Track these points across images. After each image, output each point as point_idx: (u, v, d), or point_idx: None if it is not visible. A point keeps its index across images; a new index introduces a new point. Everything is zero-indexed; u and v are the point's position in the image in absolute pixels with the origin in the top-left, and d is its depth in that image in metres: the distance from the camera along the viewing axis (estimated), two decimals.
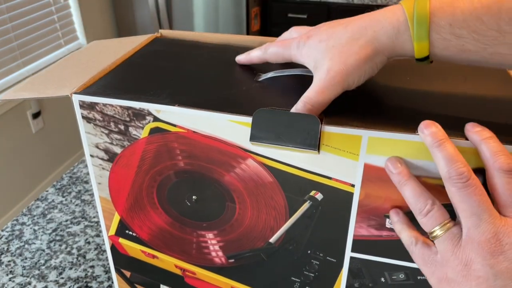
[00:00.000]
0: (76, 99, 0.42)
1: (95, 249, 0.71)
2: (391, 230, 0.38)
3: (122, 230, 0.48)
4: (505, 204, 0.32)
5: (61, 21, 2.09)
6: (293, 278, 0.44)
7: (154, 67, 0.47)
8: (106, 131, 0.43)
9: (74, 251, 0.71)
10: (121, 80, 0.45)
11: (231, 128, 0.38)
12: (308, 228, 0.41)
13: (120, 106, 0.41)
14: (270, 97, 0.42)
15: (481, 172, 0.33)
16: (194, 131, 0.40)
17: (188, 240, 0.46)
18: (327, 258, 0.42)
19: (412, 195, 0.34)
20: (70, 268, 0.68)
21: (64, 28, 2.11)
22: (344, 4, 2.21)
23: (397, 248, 0.38)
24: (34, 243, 0.73)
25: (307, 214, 0.40)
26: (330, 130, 0.36)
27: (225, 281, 0.47)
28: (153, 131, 0.41)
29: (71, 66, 0.49)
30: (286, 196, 0.40)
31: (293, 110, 0.37)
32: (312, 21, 1.88)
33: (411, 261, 0.36)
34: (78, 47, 2.19)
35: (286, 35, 0.45)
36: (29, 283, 0.65)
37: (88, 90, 0.42)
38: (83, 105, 0.42)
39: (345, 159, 0.37)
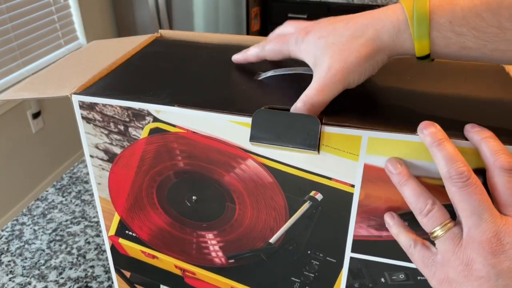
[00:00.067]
0: (76, 99, 0.42)
1: (95, 249, 0.71)
2: None
3: (122, 231, 0.48)
4: (505, 203, 0.32)
5: (61, 21, 2.09)
6: (293, 278, 0.44)
7: (153, 68, 0.47)
8: (106, 132, 0.43)
9: (74, 251, 0.71)
10: (120, 80, 0.45)
11: (231, 128, 0.38)
12: (308, 228, 0.41)
13: (120, 107, 0.41)
14: (270, 96, 0.42)
15: (481, 172, 0.33)
16: (193, 132, 0.40)
17: (188, 240, 0.46)
18: (327, 258, 0.42)
19: (412, 195, 0.34)
20: (70, 268, 0.68)
21: (64, 28, 2.11)
22: (344, 4, 2.21)
23: (397, 249, 0.38)
24: (34, 243, 0.73)
25: (307, 215, 0.40)
26: (330, 130, 0.36)
27: (225, 281, 0.47)
28: (153, 131, 0.41)
29: (71, 66, 0.49)
30: (286, 197, 0.40)
31: (292, 109, 0.37)
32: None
33: (411, 261, 0.36)
34: (78, 47, 2.19)
35: (281, 29, 0.44)
36: (29, 283, 0.65)
37: (88, 90, 0.42)
38: (83, 106, 0.42)
39: (345, 159, 0.37)
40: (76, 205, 0.81)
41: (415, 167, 0.35)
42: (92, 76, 0.44)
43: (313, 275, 0.43)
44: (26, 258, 0.70)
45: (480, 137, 0.33)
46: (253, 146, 0.38)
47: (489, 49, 0.34)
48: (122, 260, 0.51)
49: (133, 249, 0.49)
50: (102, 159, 0.45)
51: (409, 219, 0.37)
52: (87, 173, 0.90)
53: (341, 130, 0.36)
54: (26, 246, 0.72)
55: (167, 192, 0.44)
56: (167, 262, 0.48)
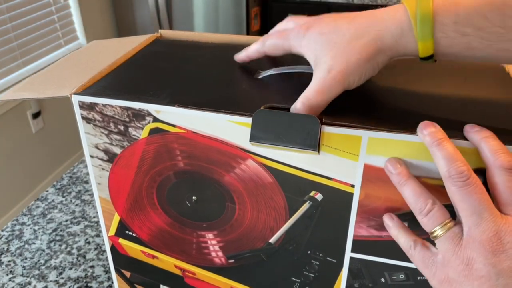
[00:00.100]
0: (76, 99, 0.42)
1: (95, 249, 0.71)
2: None
3: (122, 231, 0.48)
4: (506, 202, 0.32)
5: (61, 21, 2.08)
6: (293, 279, 0.44)
7: (153, 68, 0.47)
8: (106, 132, 0.43)
9: (74, 251, 0.71)
10: (120, 80, 0.45)
11: (230, 128, 0.38)
12: (308, 228, 0.41)
13: (120, 107, 0.41)
14: (270, 95, 0.42)
15: (481, 172, 0.33)
16: (193, 132, 0.40)
17: (188, 240, 0.46)
18: (327, 258, 0.42)
19: (412, 195, 0.34)
20: (70, 268, 0.68)
21: (64, 28, 2.11)
22: (344, 4, 2.21)
23: (397, 249, 0.38)
24: (34, 243, 0.73)
25: (307, 215, 0.40)
26: (330, 130, 0.36)
27: (225, 281, 0.47)
28: (153, 131, 0.41)
29: (71, 66, 0.49)
30: (286, 197, 0.40)
31: (292, 110, 0.37)
32: None
33: (411, 261, 0.36)
34: (78, 47, 2.19)
35: (282, 25, 0.44)
36: (29, 283, 0.65)
37: (87, 90, 0.42)
38: (82, 106, 0.42)
39: (345, 159, 0.37)
40: (76, 205, 0.81)
41: (415, 167, 0.35)
42: (92, 76, 0.44)
43: (313, 275, 0.43)
44: (26, 258, 0.70)
45: (480, 137, 0.33)
46: (253, 146, 0.38)
47: (494, 49, 0.34)
48: (122, 260, 0.51)
49: (133, 249, 0.49)
50: (102, 159, 0.45)
51: (409, 219, 0.37)
52: (87, 173, 0.90)
53: (341, 130, 0.36)
54: (26, 246, 0.72)
55: (167, 192, 0.44)
56: (167, 262, 0.48)
